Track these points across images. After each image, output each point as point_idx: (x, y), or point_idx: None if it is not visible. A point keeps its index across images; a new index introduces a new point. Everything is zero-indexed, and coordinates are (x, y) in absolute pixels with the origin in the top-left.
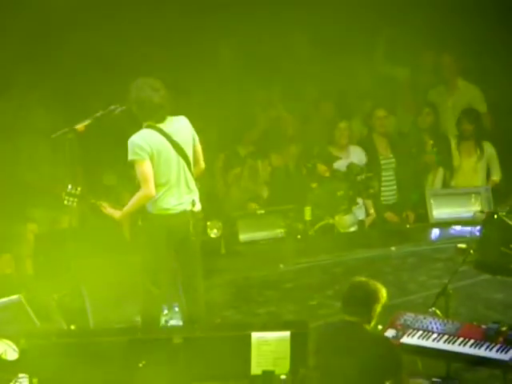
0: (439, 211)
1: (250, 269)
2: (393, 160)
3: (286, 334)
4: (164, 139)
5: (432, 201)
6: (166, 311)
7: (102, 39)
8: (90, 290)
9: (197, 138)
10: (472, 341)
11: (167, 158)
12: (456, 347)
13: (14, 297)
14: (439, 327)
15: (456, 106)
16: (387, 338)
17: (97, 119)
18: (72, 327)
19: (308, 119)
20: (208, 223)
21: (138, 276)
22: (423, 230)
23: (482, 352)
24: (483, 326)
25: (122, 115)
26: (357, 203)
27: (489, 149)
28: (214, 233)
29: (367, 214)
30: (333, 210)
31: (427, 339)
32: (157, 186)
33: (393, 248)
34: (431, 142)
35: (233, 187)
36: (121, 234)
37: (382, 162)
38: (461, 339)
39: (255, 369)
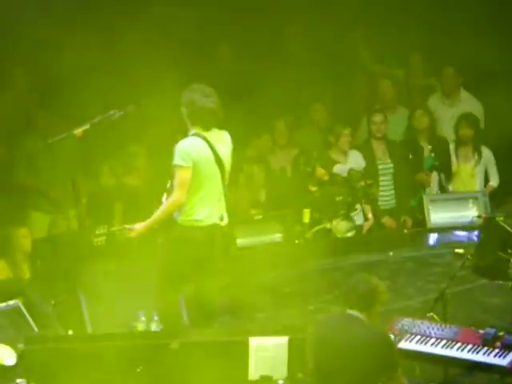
0: (437, 216)
1: (248, 274)
2: (390, 165)
3: (284, 339)
4: (209, 149)
5: (430, 206)
6: (156, 318)
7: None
8: (88, 295)
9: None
10: (470, 346)
11: (208, 169)
12: (454, 352)
13: (12, 302)
14: (437, 332)
15: (455, 117)
16: (385, 333)
17: (95, 124)
18: (69, 332)
19: (303, 122)
20: None
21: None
22: (421, 235)
23: (479, 357)
24: (481, 331)
25: (121, 120)
26: (355, 209)
27: (486, 153)
28: None
29: (365, 219)
30: (331, 214)
31: (425, 344)
32: (191, 195)
33: (390, 253)
34: (430, 146)
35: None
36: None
37: (380, 166)
38: (459, 344)
39: (253, 374)
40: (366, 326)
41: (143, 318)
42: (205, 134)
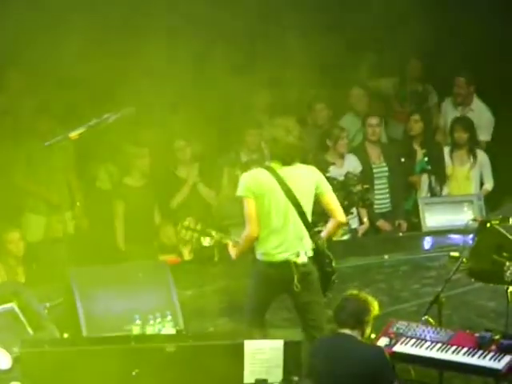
0: (432, 219)
1: (244, 277)
2: (385, 168)
3: (280, 342)
4: (274, 181)
5: (425, 209)
6: (158, 319)
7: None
8: (83, 298)
9: (326, 188)
10: (465, 349)
11: (274, 202)
12: (449, 355)
13: (7, 305)
14: (432, 335)
15: None
16: (380, 348)
17: (91, 127)
18: (65, 336)
19: (301, 125)
20: None
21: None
22: (416, 239)
23: (475, 360)
24: (476, 334)
25: (116, 123)
26: (351, 213)
27: (481, 157)
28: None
29: (361, 223)
30: (327, 217)
31: (420, 347)
32: (261, 228)
33: (386, 256)
34: (423, 150)
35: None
36: (114, 243)
37: (375, 170)
38: (454, 347)
39: (248, 377)
40: (361, 344)
41: (139, 321)
42: (276, 167)
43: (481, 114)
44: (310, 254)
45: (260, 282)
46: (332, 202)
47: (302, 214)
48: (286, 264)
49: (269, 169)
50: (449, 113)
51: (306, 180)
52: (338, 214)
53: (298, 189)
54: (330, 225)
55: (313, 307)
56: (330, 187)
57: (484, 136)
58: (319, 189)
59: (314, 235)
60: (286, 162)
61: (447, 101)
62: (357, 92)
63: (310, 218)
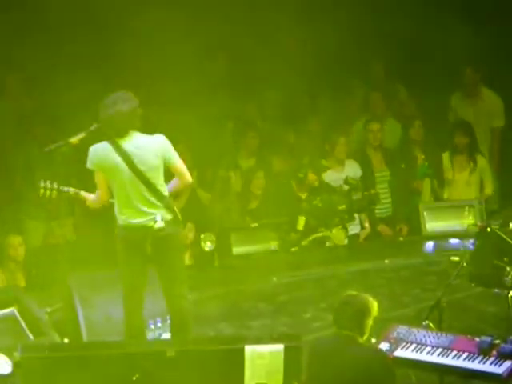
0: (432, 224)
1: (244, 282)
2: (387, 173)
3: (280, 347)
4: (116, 155)
5: (425, 214)
6: (159, 324)
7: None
8: (84, 303)
9: (172, 155)
10: (465, 354)
11: (119, 176)
12: (450, 360)
13: (7, 310)
14: (433, 340)
15: (477, 116)
16: (381, 351)
17: (91, 132)
18: (65, 340)
19: (299, 131)
20: (202, 236)
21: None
22: (417, 243)
23: (475, 365)
24: (477, 339)
25: None
26: (354, 218)
27: (481, 162)
28: (207, 246)
29: (362, 227)
30: (331, 222)
31: (421, 352)
32: (116, 196)
33: (386, 261)
34: (422, 156)
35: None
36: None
37: (377, 175)
38: (454, 352)
39: (248, 382)
40: (361, 346)
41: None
42: (120, 140)
43: (491, 102)
44: (168, 217)
45: (122, 246)
46: (180, 167)
47: (149, 186)
48: (142, 229)
49: (113, 143)
50: (459, 107)
51: (150, 153)
52: (187, 177)
53: (142, 162)
54: (177, 183)
55: (175, 274)
56: (175, 153)
57: (497, 122)
58: (166, 158)
59: (169, 203)
60: (119, 134)
61: (456, 95)
62: (375, 96)
63: (161, 188)
